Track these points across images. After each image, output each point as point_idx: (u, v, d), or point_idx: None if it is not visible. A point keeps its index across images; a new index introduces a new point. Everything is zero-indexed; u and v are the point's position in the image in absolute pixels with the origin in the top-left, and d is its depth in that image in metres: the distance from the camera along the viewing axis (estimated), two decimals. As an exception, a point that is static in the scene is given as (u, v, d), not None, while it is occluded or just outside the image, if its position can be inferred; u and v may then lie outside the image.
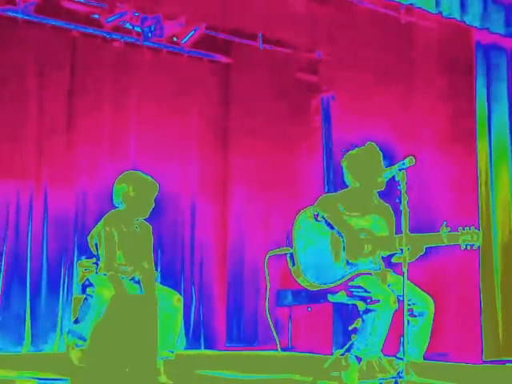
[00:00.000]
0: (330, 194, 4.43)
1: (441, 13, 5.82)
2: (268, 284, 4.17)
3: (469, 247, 4.00)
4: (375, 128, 6.41)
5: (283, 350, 7.23)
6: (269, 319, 4.31)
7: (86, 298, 4.11)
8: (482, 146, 6.26)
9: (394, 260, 4.20)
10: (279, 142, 7.83)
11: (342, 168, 4.34)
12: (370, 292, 3.93)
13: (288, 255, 4.07)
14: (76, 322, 4.16)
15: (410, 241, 3.89)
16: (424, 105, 6.61)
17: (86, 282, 4.19)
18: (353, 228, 4.07)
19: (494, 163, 6.30)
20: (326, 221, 4.08)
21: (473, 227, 4.03)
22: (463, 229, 4.00)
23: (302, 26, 6.80)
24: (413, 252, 4.00)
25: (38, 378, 4.36)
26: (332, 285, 4.04)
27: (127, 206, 4.32)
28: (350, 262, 4.05)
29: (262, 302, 7.18)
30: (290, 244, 4.08)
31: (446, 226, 3.99)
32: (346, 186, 4.33)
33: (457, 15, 5.85)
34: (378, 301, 3.87)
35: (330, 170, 7.66)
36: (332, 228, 4.08)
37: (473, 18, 5.98)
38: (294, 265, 4.04)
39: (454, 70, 6.43)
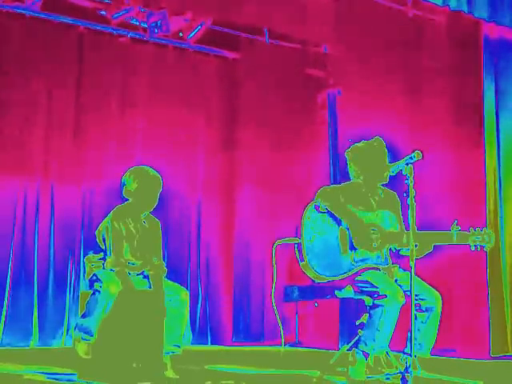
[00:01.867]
0: (330, 186, 4.39)
1: (448, 5, 5.79)
2: (275, 273, 4.15)
3: (479, 248, 3.98)
4: (381, 123, 6.37)
5: (291, 345, 7.23)
6: (274, 307, 4.29)
7: (93, 293, 4.11)
8: (490, 143, 6.23)
9: (402, 253, 4.16)
10: (286, 137, 7.81)
11: (346, 159, 4.29)
12: (377, 287, 3.90)
13: (296, 246, 4.05)
14: (83, 316, 4.16)
15: (419, 238, 3.88)
16: (431, 100, 6.56)
17: (94, 278, 4.18)
18: (357, 216, 4.03)
19: (502, 161, 6.27)
20: (328, 212, 4.04)
21: (485, 228, 4.00)
22: (474, 229, 3.98)
23: (308, 20, 6.77)
24: (421, 249, 3.97)
25: (45, 373, 4.37)
26: (339, 277, 4.01)
27: (132, 200, 4.33)
28: (358, 251, 4.00)
29: (268, 298, 7.18)
30: (298, 235, 4.05)
31: (457, 225, 3.97)
32: (349, 180, 4.30)
33: (464, 8, 5.81)
34: (386, 296, 3.84)
35: (336, 165, 7.64)
36: (335, 219, 4.05)
37: (481, 10, 5.94)
38: (302, 259, 4.02)
39: (462, 65, 6.38)
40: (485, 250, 4.00)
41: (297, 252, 4.03)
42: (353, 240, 4.02)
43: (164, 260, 4.53)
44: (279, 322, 4.30)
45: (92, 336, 4.04)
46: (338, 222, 4.06)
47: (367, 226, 4.05)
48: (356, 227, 4.01)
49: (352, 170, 4.25)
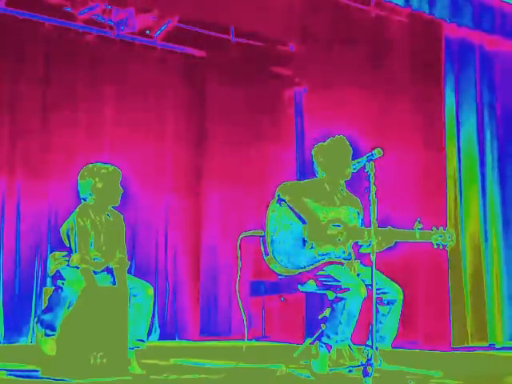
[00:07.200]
0: (293, 181, 4.47)
1: (410, 6, 5.90)
2: (240, 264, 4.20)
3: (441, 246, 4.10)
4: (346, 121, 6.47)
5: (257, 339, 7.30)
6: (239, 298, 4.34)
7: (56, 289, 4.13)
8: (450, 143, 6.36)
9: (362, 251, 4.26)
10: (252, 134, 7.88)
11: (312, 157, 4.39)
12: (339, 281, 3.98)
13: (260, 239, 4.10)
14: (46, 311, 4.18)
15: (383, 235, 3.98)
16: (394, 100, 6.67)
17: (57, 274, 4.20)
18: (313, 212, 4.12)
19: (462, 160, 6.40)
20: (288, 205, 4.12)
21: (447, 227, 4.12)
22: (437, 228, 4.09)
23: (274, 19, 6.83)
24: (381, 243, 4.08)
25: (7, 369, 4.36)
26: (302, 270, 4.08)
27: (97, 197, 4.34)
28: (314, 246, 4.08)
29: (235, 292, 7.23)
30: (263, 228, 4.11)
31: (419, 223, 4.08)
32: (315, 176, 4.39)
33: (425, 8, 5.93)
34: (348, 289, 3.93)
35: (302, 163, 7.73)
36: (294, 212, 4.12)
37: (441, 11, 6.06)
38: (266, 253, 4.09)
39: (424, 65, 6.49)
40: (446, 248, 4.14)
41: (261, 245, 4.09)
42: (307, 234, 4.09)
43: (132, 256, 4.55)
44: (243, 314, 4.35)
45: (54, 331, 4.06)
46: (294, 214, 4.13)
47: (327, 222, 4.14)
48: (312, 222, 4.09)
49: (316, 166, 4.34)
